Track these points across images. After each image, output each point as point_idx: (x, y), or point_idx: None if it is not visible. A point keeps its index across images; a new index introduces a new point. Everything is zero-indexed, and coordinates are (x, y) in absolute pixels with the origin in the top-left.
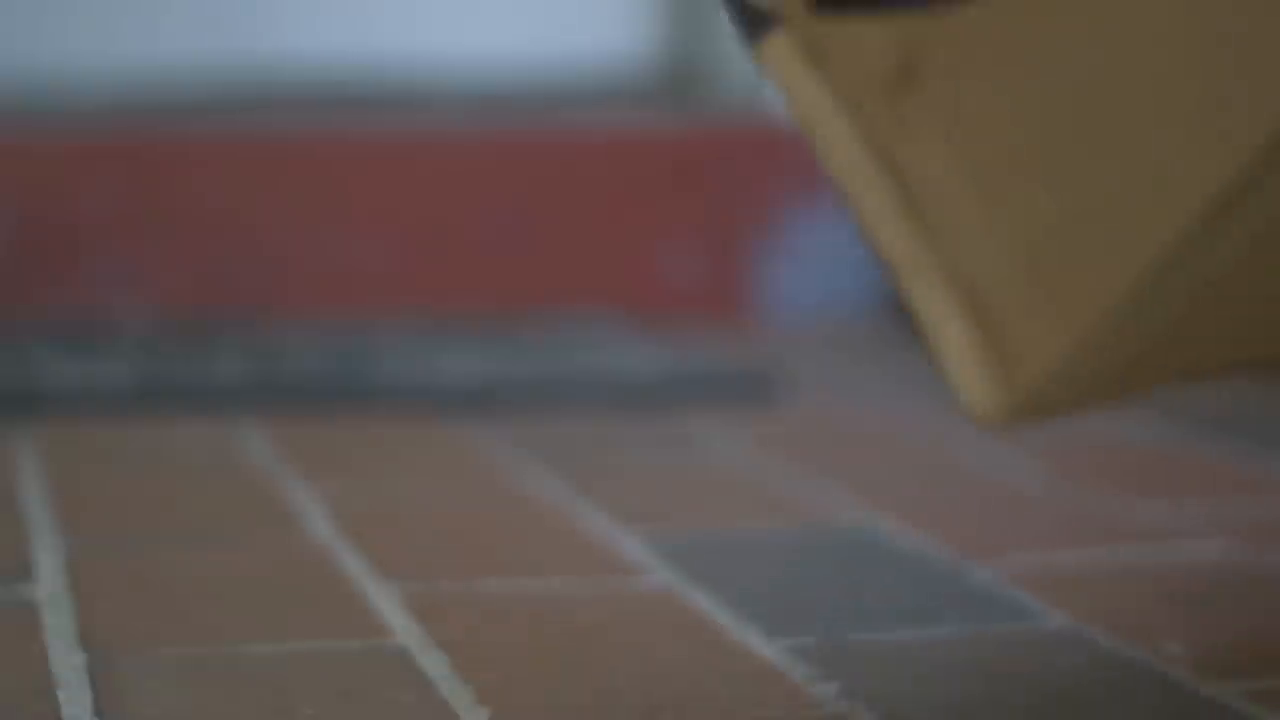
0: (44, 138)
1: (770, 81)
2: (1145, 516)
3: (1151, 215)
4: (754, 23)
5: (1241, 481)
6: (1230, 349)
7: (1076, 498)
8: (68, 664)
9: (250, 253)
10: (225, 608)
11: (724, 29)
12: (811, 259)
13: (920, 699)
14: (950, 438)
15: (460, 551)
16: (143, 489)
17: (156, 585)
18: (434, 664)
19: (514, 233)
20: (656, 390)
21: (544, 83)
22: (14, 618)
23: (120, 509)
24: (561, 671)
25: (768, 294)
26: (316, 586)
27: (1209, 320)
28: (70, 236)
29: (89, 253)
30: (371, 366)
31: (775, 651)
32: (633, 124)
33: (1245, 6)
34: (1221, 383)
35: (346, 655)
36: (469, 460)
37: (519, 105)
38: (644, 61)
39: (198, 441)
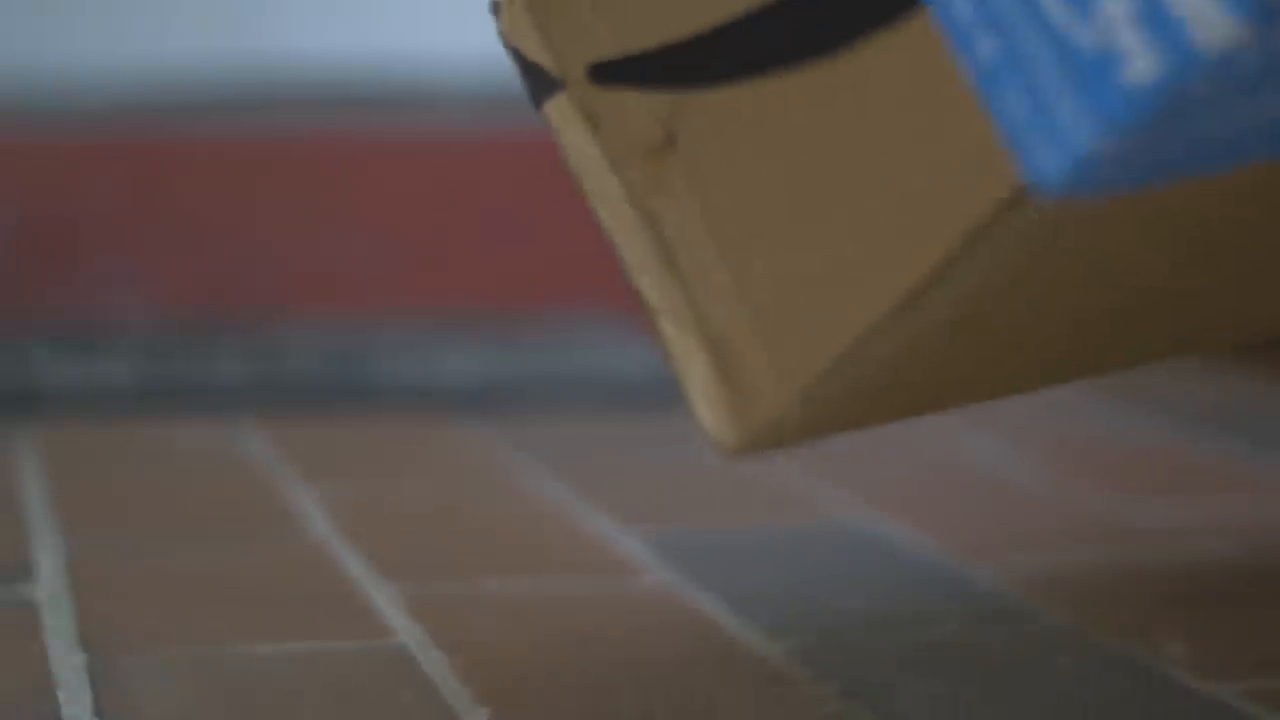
0: (45, 137)
1: (554, 135)
2: (1145, 516)
3: (869, 287)
4: (541, 84)
5: (1241, 481)
6: (952, 392)
7: (1076, 498)
8: (68, 664)
9: (252, 252)
10: (225, 608)
11: None
12: None
13: (920, 699)
14: (951, 438)
15: (460, 551)
16: (143, 489)
17: (156, 585)
18: (434, 664)
19: (514, 233)
20: (656, 390)
21: None
22: (14, 618)
23: (120, 509)
24: (561, 671)
25: None
26: (316, 586)
27: (923, 371)
28: (71, 236)
29: (90, 252)
30: (371, 366)
31: (775, 651)
32: None
33: (951, 113)
34: (1221, 382)
35: (346, 655)
36: (469, 460)
37: (521, 105)
38: None
39: (198, 441)
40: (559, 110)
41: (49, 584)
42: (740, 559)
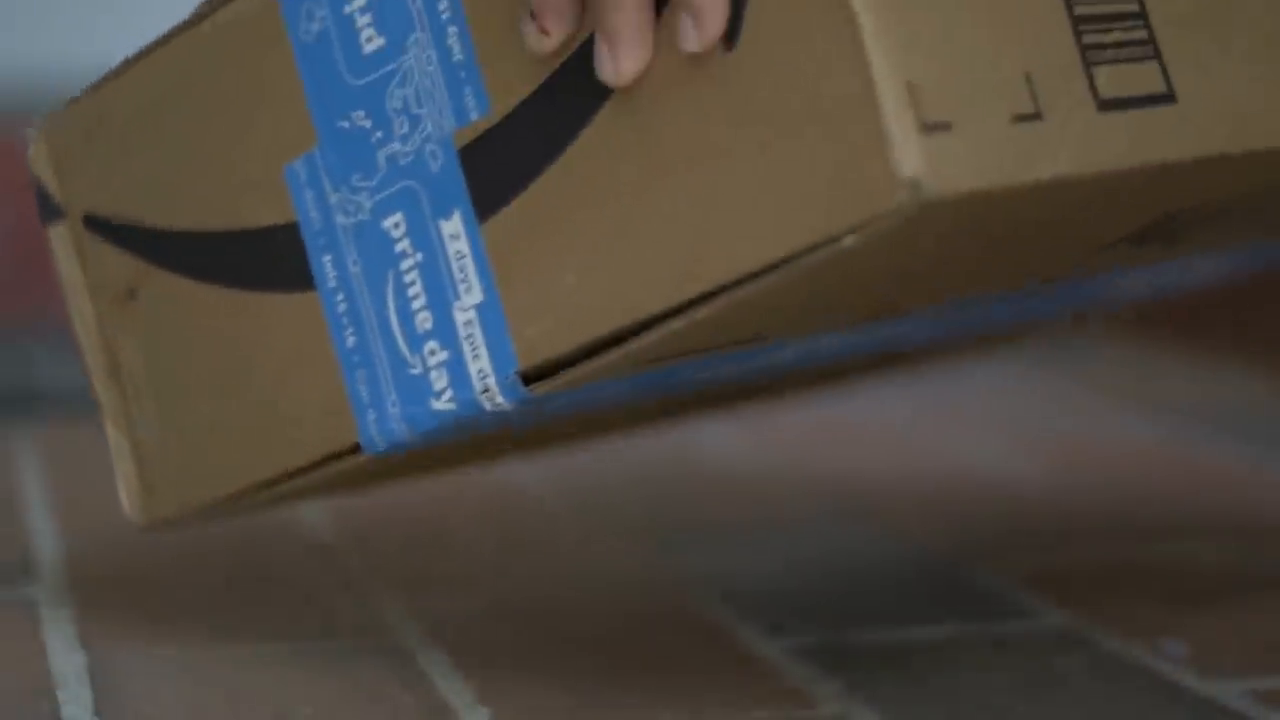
0: None
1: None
2: (1144, 516)
3: (251, 461)
4: (50, 210)
5: (1241, 481)
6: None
7: (1076, 497)
8: (68, 664)
9: None
10: (226, 608)
11: None
12: None
13: (920, 699)
14: (950, 438)
15: (460, 552)
16: None
17: (156, 585)
18: (434, 664)
19: None
20: None
21: None
22: (14, 618)
23: (120, 509)
24: (562, 671)
25: None
26: (317, 586)
27: (309, 492)
28: None
29: None
30: None
31: (775, 651)
32: None
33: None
34: (1221, 382)
35: (346, 655)
36: None
37: None
38: None
39: None
40: (59, 236)
41: (49, 584)
42: (740, 558)
